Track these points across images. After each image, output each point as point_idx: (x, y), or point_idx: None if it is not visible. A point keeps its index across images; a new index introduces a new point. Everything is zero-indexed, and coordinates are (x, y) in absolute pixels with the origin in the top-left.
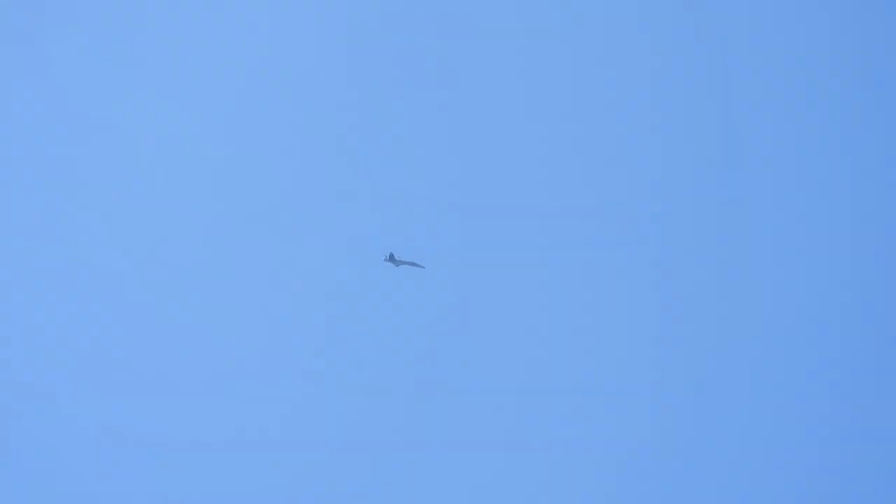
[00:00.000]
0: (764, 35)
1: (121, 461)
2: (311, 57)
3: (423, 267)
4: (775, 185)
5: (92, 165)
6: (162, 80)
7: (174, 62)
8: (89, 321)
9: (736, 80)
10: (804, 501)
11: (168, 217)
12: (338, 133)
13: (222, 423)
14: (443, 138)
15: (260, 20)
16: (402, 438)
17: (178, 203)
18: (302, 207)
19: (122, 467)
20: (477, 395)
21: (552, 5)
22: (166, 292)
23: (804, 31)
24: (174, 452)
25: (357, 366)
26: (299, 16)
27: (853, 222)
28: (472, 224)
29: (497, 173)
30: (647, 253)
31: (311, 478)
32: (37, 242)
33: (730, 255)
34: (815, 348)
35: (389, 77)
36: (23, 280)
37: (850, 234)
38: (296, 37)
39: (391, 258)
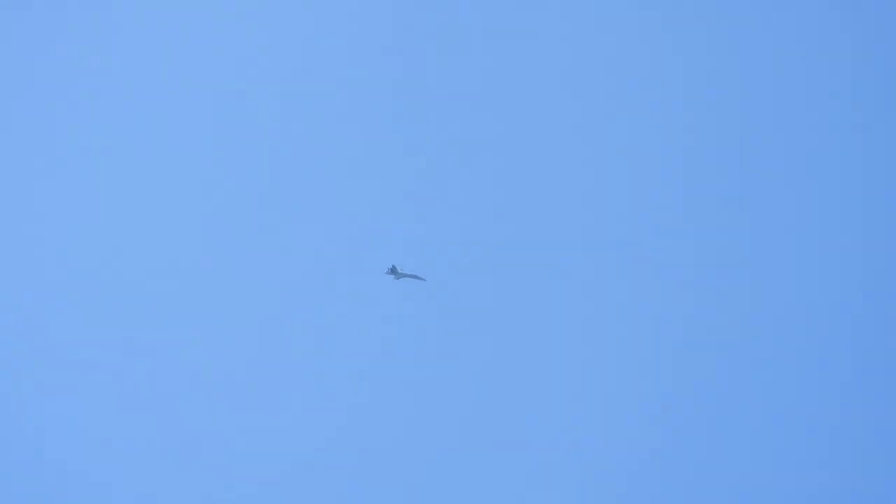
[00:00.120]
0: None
1: (117, 462)
2: (310, 57)
3: (425, 280)
4: (780, 186)
5: (91, 165)
6: (161, 80)
7: (173, 62)
8: (88, 321)
9: (737, 81)
10: (804, 502)
11: (167, 217)
12: (338, 133)
13: (222, 424)
14: (443, 139)
15: (259, 20)
16: (403, 438)
17: (178, 203)
18: (302, 207)
19: (121, 468)
20: (477, 395)
21: (552, 5)
22: (165, 292)
23: (805, 32)
24: (173, 453)
25: (357, 366)
26: (299, 16)
27: (854, 222)
28: (472, 224)
29: (497, 173)
30: (647, 253)
31: (310, 478)
32: (32, 243)
33: (732, 256)
34: (815, 348)
35: (390, 77)
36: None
37: (850, 233)
38: (295, 37)
39: (393, 271)
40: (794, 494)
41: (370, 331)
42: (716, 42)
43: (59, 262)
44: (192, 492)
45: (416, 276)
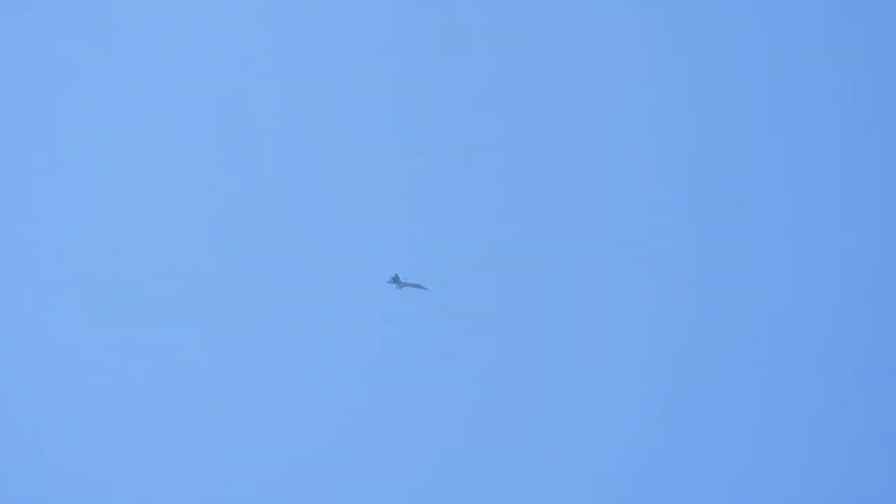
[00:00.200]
0: (769, 37)
1: (117, 462)
2: (310, 57)
3: (428, 289)
4: (780, 186)
5: (91, 165)
6: (161, 80)
7: (173, 62)
8: (88, 321)
9: (737, 81)
10: (804, 502)
11: (168, 217)
12: (338, 133)
13: (222, 424)
14: (443, 139)
15: (259, 20)
16: (403, 438)
17: (178, 203)
18: (301, 207)
19: (121, 468)
20: (477, 395)
21: (552, 5)
22: (166, 293)
23: (805, 32)
24: (173, 453)
25: (357, 366)
26: (299, 16)
27: (854, 222)
28: (472, 224)
29: (497, 173)
30: (647, 253)
31: (310, 478)
32: (32, 243)
33: (732, 256)
34: (815, 348)
35: (390, 77)
36: (16, 282)
37: (850, 233)
38: (295, 37)
39: (395, 280)
40: (794, 494)
41: (370, 331)
42: (716, 42)
43: (59, 262)
44: (192, 492)
45: (418, 286)
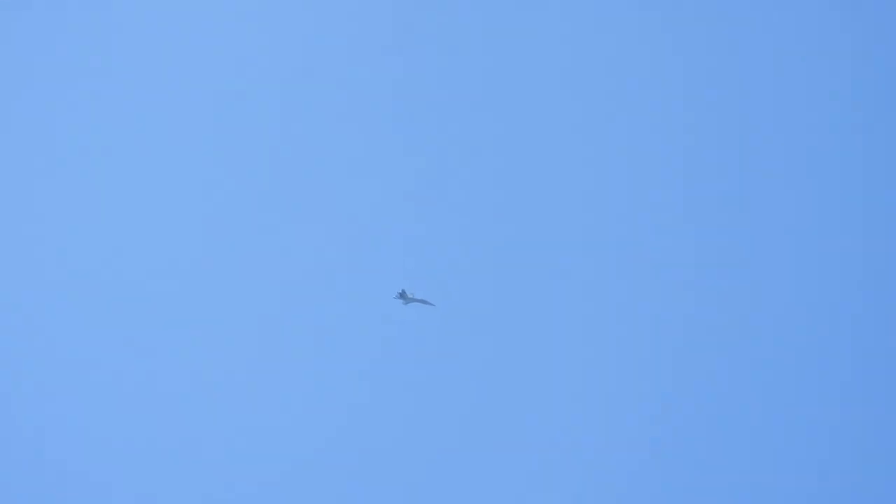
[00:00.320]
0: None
1: (117, 462)
2: (310, 57)
3: (434, 305)
4: (780, 186)
5: (91, 165)
6: (161, 80)
7: (173, 62)
8: (88, 321)
9: (737, 81)
10: (804, 502)
11: (168, 217)
12: (338, 134)
13: (222, 424)
14: (443, 139)
15: (259, 20)
16: (403, 438)
17: (178, 203)
18: (301, 207)
19: (121, 468)
20: (477, 395)
21: (553, 5)
22: (166, 293)
23: (805, 32)
24: (173, 453)
25: (357, 366)
26: (299, 16)
27: (854, 222)
28: (472, 224)
29: (497, 173)
30: (647, 253)
31: (310, 478)
32: (32, 243)
33: (732, 256)
34: (815, 348)
35: (390, 77)
36: (16, 282)
37: (850, 233)
38: (295, 37)
39: (402, 295)
40: (794, 494)
41: (370, 331)
42: (716, 42)
43: (59, 262)
44: (192, 492)
45: (425, 301)
